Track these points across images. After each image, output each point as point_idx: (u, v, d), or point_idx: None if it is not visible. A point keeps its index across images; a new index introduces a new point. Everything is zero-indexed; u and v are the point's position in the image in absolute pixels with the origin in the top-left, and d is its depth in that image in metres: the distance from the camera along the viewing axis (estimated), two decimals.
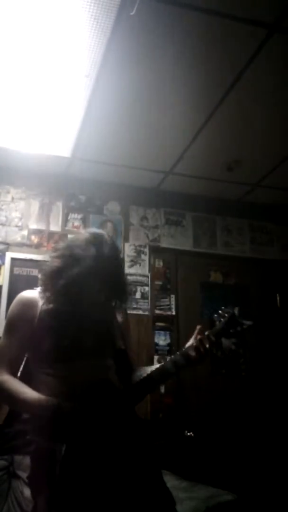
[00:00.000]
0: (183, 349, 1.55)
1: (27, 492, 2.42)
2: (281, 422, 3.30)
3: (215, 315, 1.64)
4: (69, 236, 1.64)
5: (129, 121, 2.73)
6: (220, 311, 1.63)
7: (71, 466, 1.29)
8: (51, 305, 1.50)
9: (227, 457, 3.08)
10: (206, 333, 1.54)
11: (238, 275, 3.66)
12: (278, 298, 3.69)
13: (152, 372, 1.50)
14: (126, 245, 3.45)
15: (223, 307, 1.65)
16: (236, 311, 1.61)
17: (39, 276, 1.62)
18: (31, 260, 3.15)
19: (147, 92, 2.46)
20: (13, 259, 3.11)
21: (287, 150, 3.05)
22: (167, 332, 3.32)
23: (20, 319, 1.51)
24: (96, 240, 1.53)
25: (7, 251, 3.13)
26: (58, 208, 3.39)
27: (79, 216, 3.42)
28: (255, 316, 3.48)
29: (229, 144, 2.99)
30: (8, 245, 3.16)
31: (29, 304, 1.52)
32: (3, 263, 3.09)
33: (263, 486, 3.02)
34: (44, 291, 1.51)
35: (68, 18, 1.95)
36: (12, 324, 1.52)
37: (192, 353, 1.52)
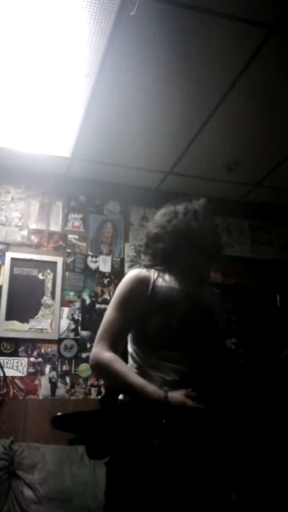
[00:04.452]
0: None
1: (27, 492, 2.43)
2: (281, 422, 3.29)
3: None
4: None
5: (129, 121, 2.73)
6: None
7: (169, 462, 1.26)
8: (164, 283, 1.48)
9: (227, 457, 3.08)
10: None
11: (238, 275, 3.66)
12: (278, 298, 3.69)
13: None
14: (126, 245, 3.45)
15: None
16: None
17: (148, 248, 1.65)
18: (31, 260, 3.15)
19: (147, 91, 2.46)
20: (13, 259, 3.11)
21: (287, 150, 3.05)
22: None
23: (132, 296, 1.45)
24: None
25: (7, 251, 3.13)
26: (58, 208, 3.39)
27: (79, 216, 3.42)
28: (255, 316, 3.52)
29: (229, 144, 2.99)
30: (8, 245, 3.15)
31: (142, 282, 1.47)
32: (3, 263, 3.09)
33: (263, 486, 3.02)
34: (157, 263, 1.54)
35: (68, 18, 1.95)
36: (121, 301, 1.45)
37: None
